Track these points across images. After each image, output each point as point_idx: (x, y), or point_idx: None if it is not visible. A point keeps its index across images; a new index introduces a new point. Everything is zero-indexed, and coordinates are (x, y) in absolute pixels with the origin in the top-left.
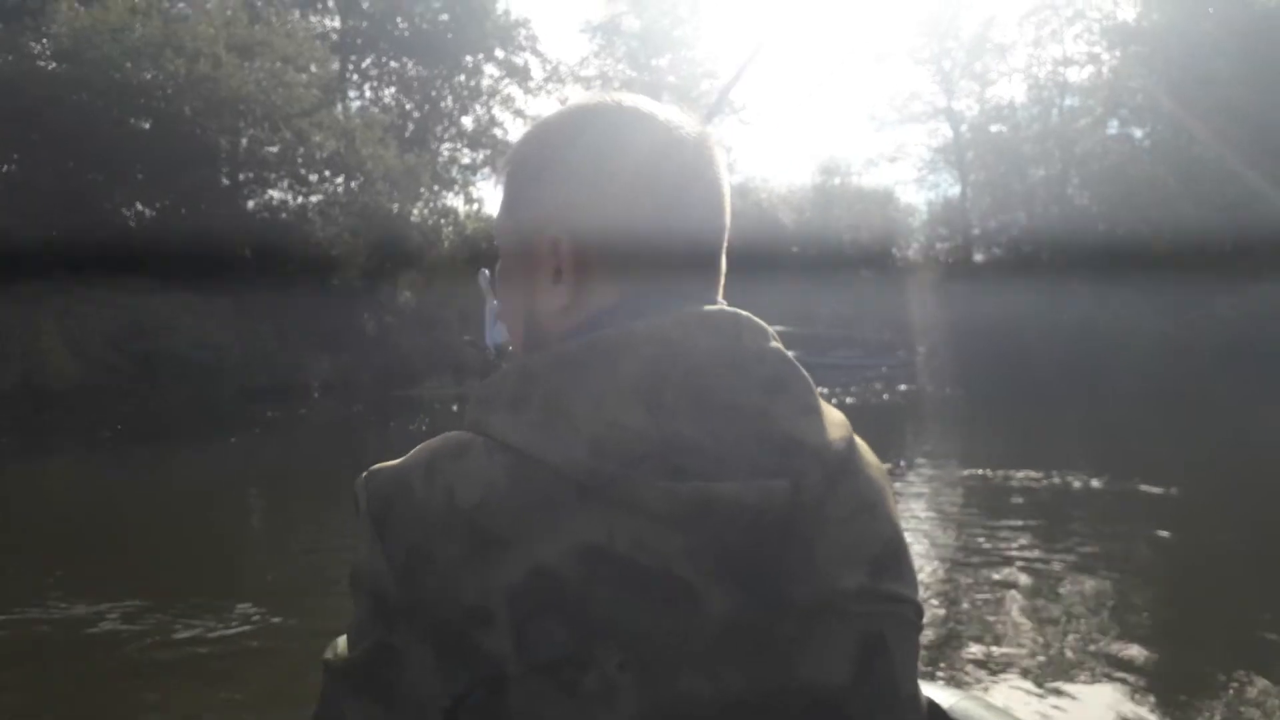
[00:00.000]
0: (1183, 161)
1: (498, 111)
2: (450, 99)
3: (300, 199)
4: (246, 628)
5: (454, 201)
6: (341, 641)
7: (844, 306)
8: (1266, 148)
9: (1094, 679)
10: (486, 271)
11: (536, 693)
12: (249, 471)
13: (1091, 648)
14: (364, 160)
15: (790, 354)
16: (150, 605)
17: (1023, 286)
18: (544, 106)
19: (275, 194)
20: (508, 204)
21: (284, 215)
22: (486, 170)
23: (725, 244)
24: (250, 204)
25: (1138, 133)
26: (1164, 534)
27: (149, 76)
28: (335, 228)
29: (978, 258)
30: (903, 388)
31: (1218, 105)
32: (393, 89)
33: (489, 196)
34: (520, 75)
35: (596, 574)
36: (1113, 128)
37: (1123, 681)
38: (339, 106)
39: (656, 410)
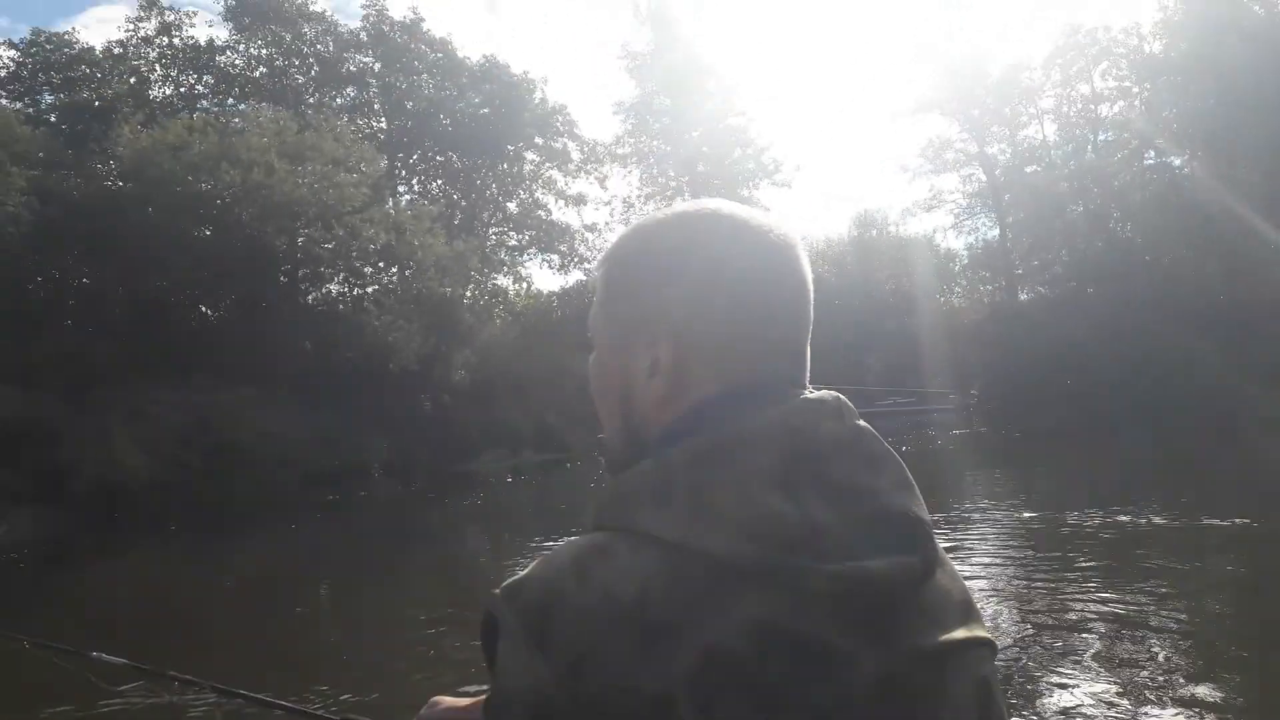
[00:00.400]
0: (1225, 185)
1: (540, 194)
2: (494, 186)
3: (356, 290)
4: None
5: (504, 281)
6: None
7: (890, 356)
8: None
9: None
10: None
11: None
12: (313, 555)
13: (1167, 686)
14: (414, 250)
15: (871, 430)
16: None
17: (1070, 323)
18: (583, 186)
19: (332, 288)
20: (606, 301)
21: (340, 307)
22: (532, 250)
23: (809, 335)
24: (308, 299)
25: (1176, 161)
26: (1236, 568)
27: (207, 188)
28: (390, 315)
29: (1022, 297)
30: (956, 432)
31: (1257, 124)
32: (440, 181)
33: (536, 274)
34: (560, 159)
35: (769, 649)
36: (1150, 158)
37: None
38: (390, 201)
39: (793, 496)
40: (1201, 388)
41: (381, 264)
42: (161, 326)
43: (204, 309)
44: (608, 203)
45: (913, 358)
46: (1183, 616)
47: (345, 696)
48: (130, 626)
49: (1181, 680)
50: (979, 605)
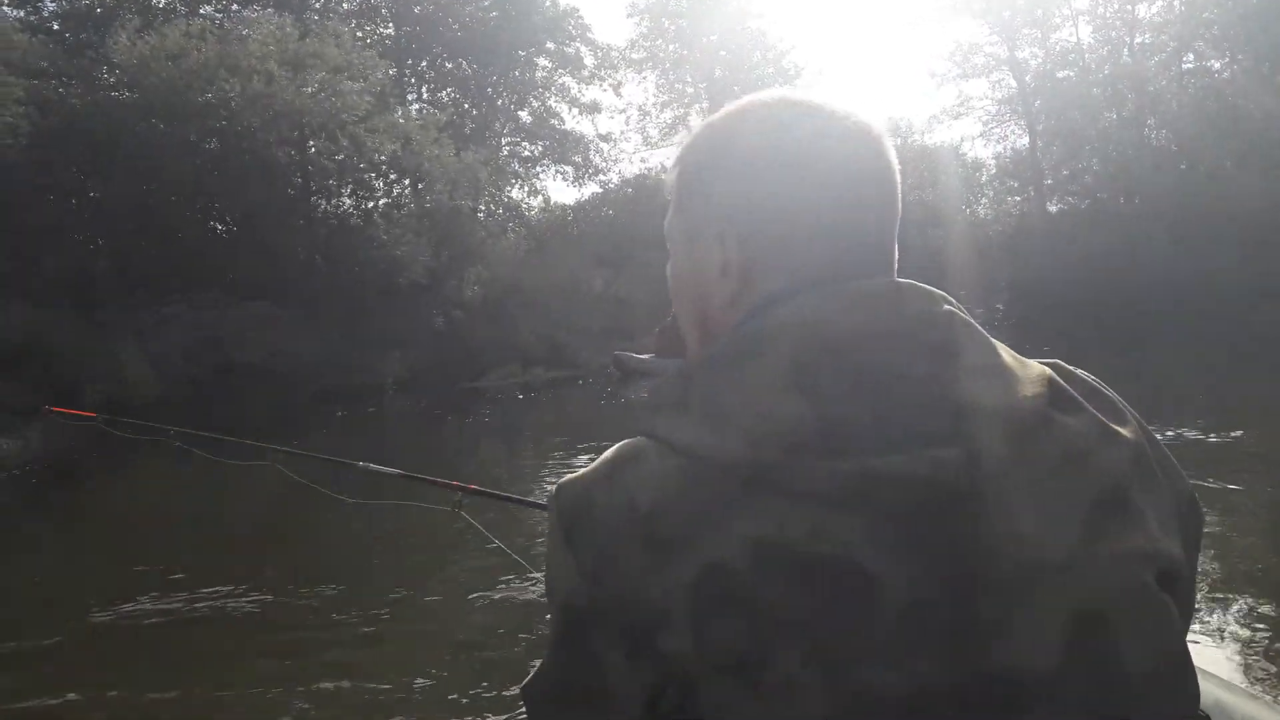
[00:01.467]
0: (1267, 90)
1: (553, 103)
2: (506, 95)
3: (365, 205)
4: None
5: (518, 194)
6: (536, 672)
7: (914, 269)
8: None
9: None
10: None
11: (723, 692)
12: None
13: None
14: (422, 161)
15: (963, 316)
16: (250, 592)
17: (1100, 234)
18: (597, 94)
19: (340, 202)
20: (675, 204)
21: (350, 221)
22: (545, 162)
23: (896, 228)
24: (316, 213)
25: (1216, 65)
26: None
27: (210, 98)
28: (399, 230)
29: (1051, 208)
30: None
31: None
32: (450, 89)
33: (551, 187)
34: (573, 65)
35: (770, 567)
36: (1189, 62)
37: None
38: (399, 111)
39: (811, 394)
40: (1236, 302)
41: (393, 176)
42: (169, 241)
43: (213, 223)
44: (623, 110)
45: (937, 271)
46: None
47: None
48: (142, 537)
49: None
50: None
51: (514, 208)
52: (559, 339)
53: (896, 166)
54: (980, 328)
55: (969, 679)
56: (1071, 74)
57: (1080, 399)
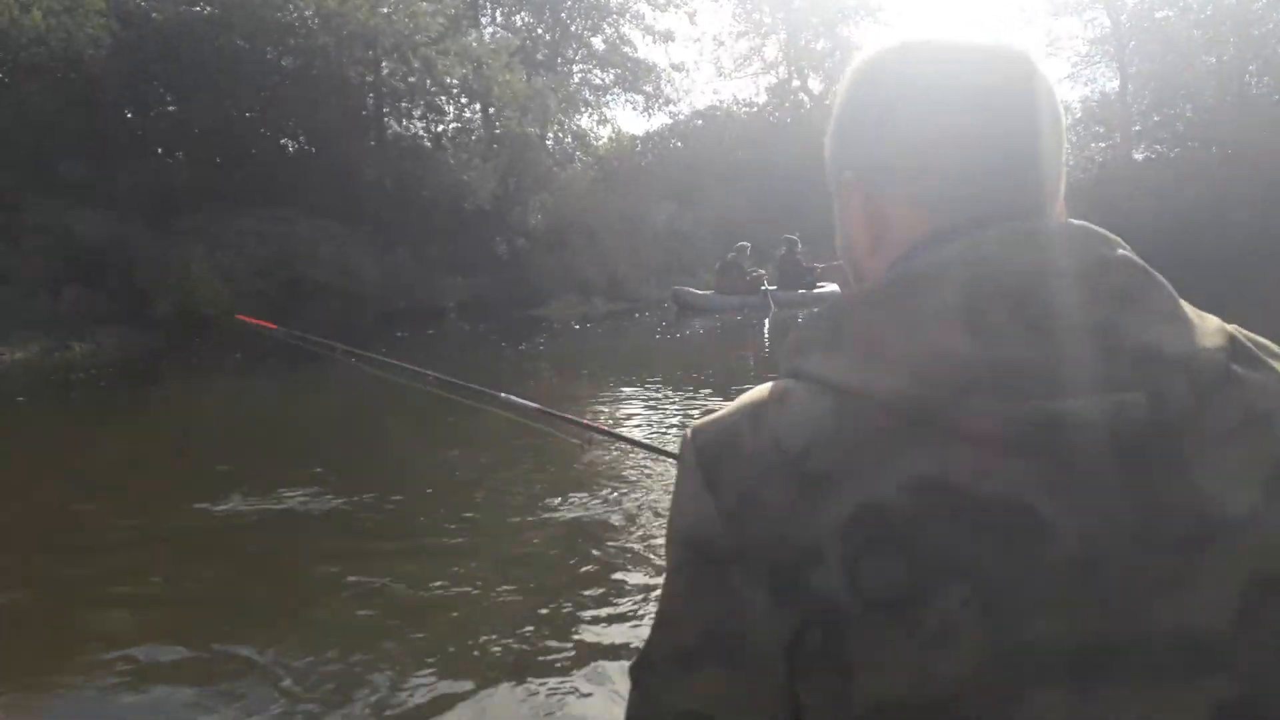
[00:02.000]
0: None
1: (626, 29)
2: (580, 20)
3: (435, 128)
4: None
5: (587, 123)
6: (655, 633)
7: None
8: None
9: None
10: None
11: (875, 633)
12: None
13: None
14: (492, 86)
15: (1138, 261)
16: (326, 497)
17: (1188, 185)
18: (672, 21)
19: (410, 125)
20: (827, 145)
21: (420, 144)
22: (615, 90)
23: (1057, 163)
24: (387, 135)
25: None
26: None
27: (288, 16)
28: (466, 155)
29: (1137, 156)
30: None
31: None
32: (524, 14)
33: (621, 117)
34: None
35: (931, 507)
36: None
37: None
38: (472, 34)
39: (981, 334)
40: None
41: (463, 100)
42: (245, 158)
43: (286, 141)
44: (696, 40)
45: None
46: None
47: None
48: (223, 439)
49: None
50: None
51: (582, 136)
52: (619, 272)
53: (1054, 97)
54: (1158, 275)
55: (1137, 636)
56: (1171, 14)
57: (1260, 355)
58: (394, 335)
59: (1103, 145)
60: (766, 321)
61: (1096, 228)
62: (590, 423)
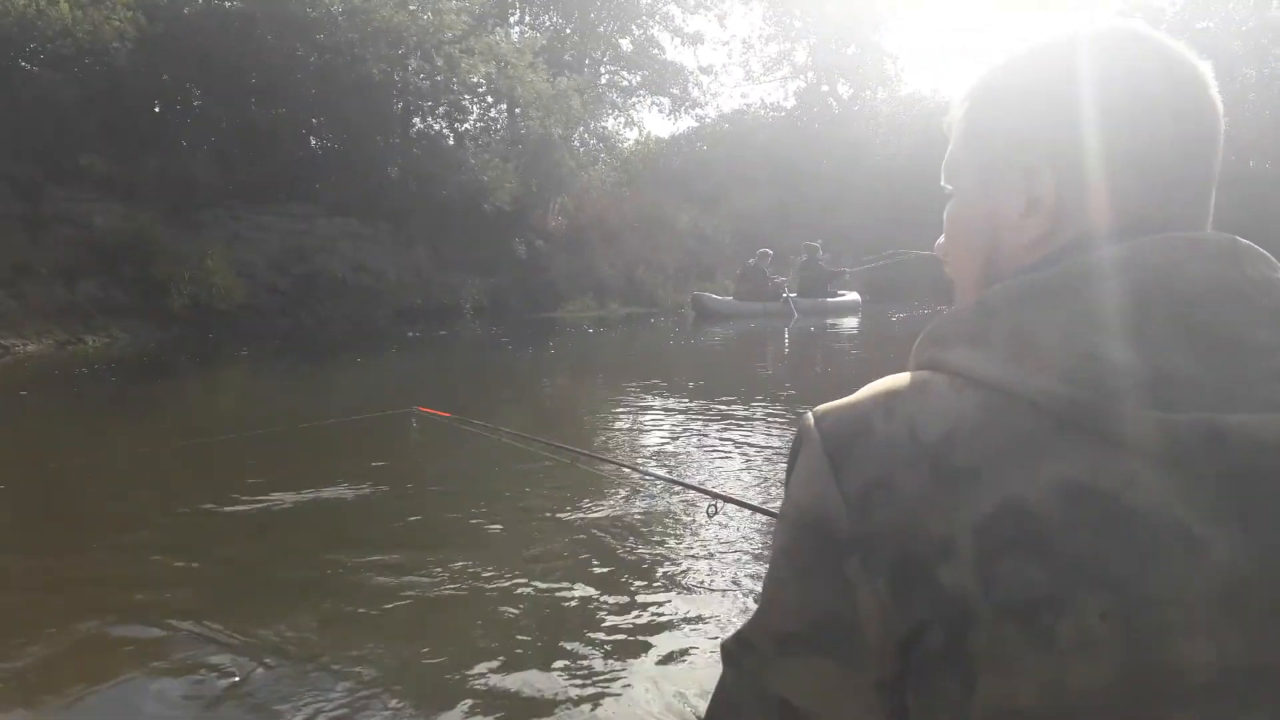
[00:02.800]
0: None
1: (656, 31)
2: (609, 21)
3: (458, 127)
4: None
5: (613, 124)
6: (759, 612)
7: None
8: None
9: None
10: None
11: (1004, 638)
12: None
13: None
14: (515, 85)
15: None
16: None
17: (1225, 197)
18: (701, 24)
19: (433, 123)
20: (970, 137)
21: (442, 143)
22: (642, 92)
23: (1215, 177)
24: (410, 133)
25: None
26: None
27: (312, 12)
28: (488, 154)
29: None
30: None
31: None
32: (553, 14)
33: (648, 119)
34: None
35: (1077, 512)
36: None
37: None
38: (500, 32)
39: (1141, 342)
40: None
41: (488, 100)
42: (268, 153)
43: (309, 136)
44: (725, 43)
45: None
46: None
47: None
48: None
49: None
50: None
51: (607, 138)
52: (637, 274)
53: (1221, 111)
54: None
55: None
56: (1211, 24)
57: None
58: (406, 335)
59: None
60: (787, 330)
61: (1254, 245)
62: (717, 491)
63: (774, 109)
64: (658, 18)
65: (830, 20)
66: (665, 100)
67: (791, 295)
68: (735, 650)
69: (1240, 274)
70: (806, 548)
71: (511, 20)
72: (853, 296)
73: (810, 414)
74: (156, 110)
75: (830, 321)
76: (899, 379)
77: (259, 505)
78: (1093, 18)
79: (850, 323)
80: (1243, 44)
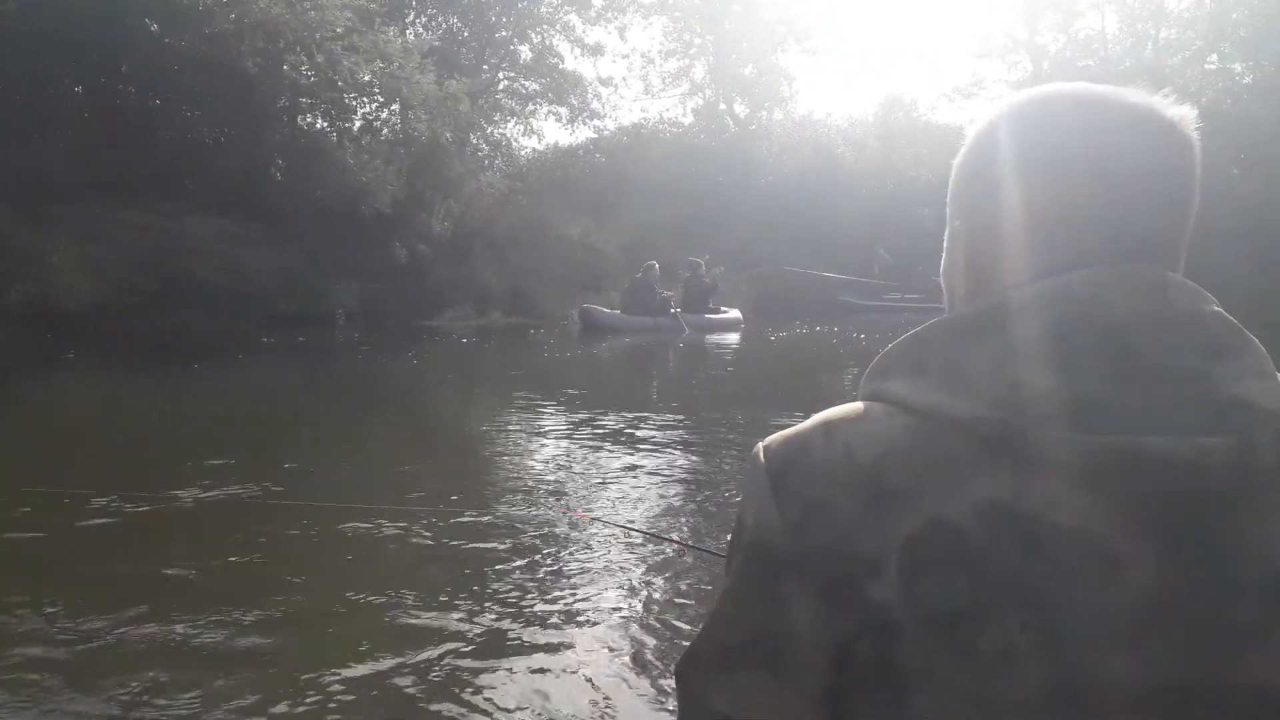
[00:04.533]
0: None
1: (556, 41)
2: (509, 28)
3: (340, 126)
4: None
5: (512, 132)
6: (704, 632)
7: (901, 249)
8: None
9: None
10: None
11: (929, 649)
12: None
13: None
14: (399, 86)
15: (1231, 318)
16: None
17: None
18: (602, 35)
19: (313, 121)
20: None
21: (321, 143)
22: (540, 101)
23: (1173, 231)
24: (288, 131)
25: (1238, 68)
26: None
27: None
28: (368, 155)
29: None
30: None
31: None
32: (453, 18)
33: (546, 128)
34: (580, 3)
35: (999, 531)
36: (1212, 63)
37: None
38: (387, 31)
39: (1064, 370)
40: (1228, 308)
41: (378, 98)
42: (135, 147)
43: (182, 132)
44: (626, 56)
45: (923, 255)
46: None
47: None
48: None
49: None
50: None
51: (503, 145)
52: (522, 284)
53: (1180, 156)
54: (1248, 332)
55: (1215, 685)
56: (1092, 64)
57: None
58: (261, 341)
59: None
60: (679, 343)
61: (1184, 279)
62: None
63: (672, 124)
64: (558, 26)
65: (729, 40)
66: (563, 109)
67: (675, 310)
68: (683, 669)
69: (1166, 305)
70: (748, 567)
71: (407, 20)
72: (734, 313)
73: (760, 443)
74: (13, 96)
75: (713, 338)
76: (842, 409)
77: None
78: (1048, 85)
79: (732, 338)
80: (1120, 83)
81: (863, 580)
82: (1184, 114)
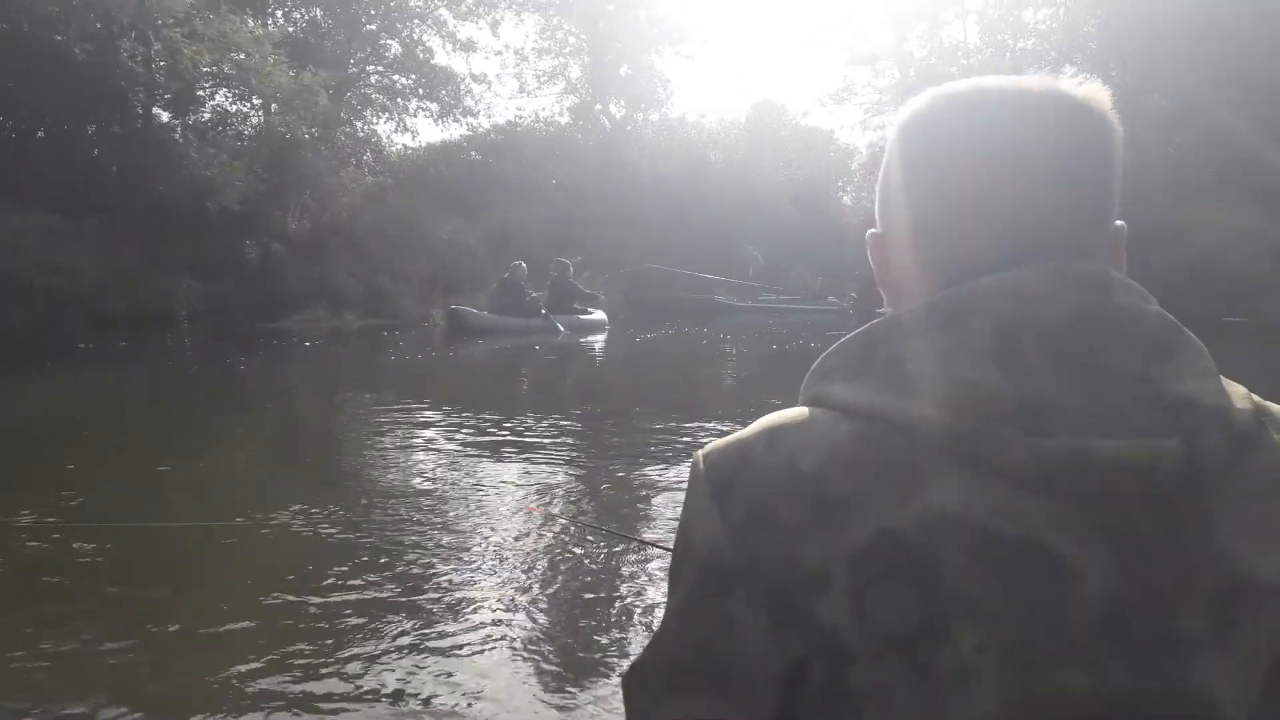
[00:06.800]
0: (1134, 113)
1: (426, 36)
2: (377, 21)
3: (185, 118)
4: None
5: (383, 128)
6: (650, 648)
7: (774, 251)
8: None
9: None
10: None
11: (882, 671)
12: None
13: None
14: (250, 77)
15: (1171, 318)
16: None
17: None
18: (474, 32)
19: (154, 112)
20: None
21: (162, 135)
22: (409, 95)
23: (1095, 213)
24: (124, 123)
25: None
26: None
27: None
28: (213, 149)
29: None
30: (831, 334)
31: (1173, 51)
32: (318, 9)
33: (422, 126)
34: None
35: (950, 542)
36: (1068, 74)
37: None
38: (235, 19)
39: (1012, 368)
40: None
41: (219, 90)
42: None
43: (6, 120)
44: (499, 53)
45: (795, 255)
46: None
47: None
48: None
49: None
50: None
51: (368, 141)
52: (381, 284)
53: (1098, 143)
54: (1188, 331)
55: (1163, 695)
56: (955, 71)
57: None
58: (78, 346)
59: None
60: (556, 343)
61: (1127, 278)
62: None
63: (548, 123)
64: (429, 21)
65: (601, 37)
66: (434, 105)
67: (545, 312)
68: (630, 685)
69: (1110, 304)
70: (695, 582)
71: (269, 9)
72: (600, 315)
73: (700, 450)
74: None
75: (583, 339)
76: (785, 413)
77: None
78: (942, 86)
79: (599, 339)
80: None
81: (810, 597)
82: (1092, 92)
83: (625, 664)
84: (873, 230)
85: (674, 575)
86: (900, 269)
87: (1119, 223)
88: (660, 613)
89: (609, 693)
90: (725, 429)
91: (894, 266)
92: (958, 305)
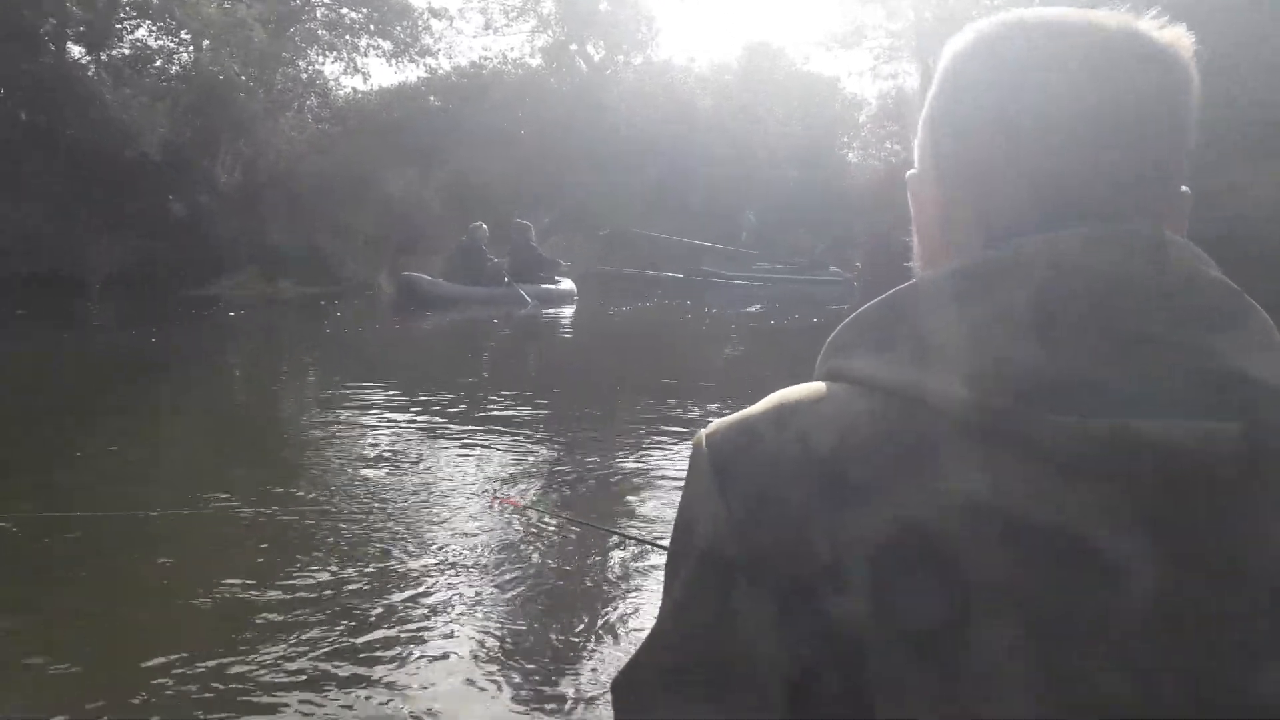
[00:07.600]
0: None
1: None
2: None
3: (96, 54)
4: None
5: (332, 69)
6: (644, 647)
7: (770, 214)
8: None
9: None
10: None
11: (902, 671)
12: None
13: None
14: (173, 7)
15: (1232, 284)
16: None
17: None
18: None
19: (60, 45)
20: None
21: (76, 72)
22: (360, 33)
23: (1169, 175)
24: (24, 57)
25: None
26: None
27: None
28: (130, 90)
29: None
30: (834, 308)
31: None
32: None
33: (375, 67)
34: None
35: (978, 531)
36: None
37: None
38: None
39: (1052, 342)
40: None
41: (149, 24)
42: None
43: None
44: None
45: (793, 218)
46: None
47: None
48: None
49: None
50: None
51: (313, 84)
52: (322, 245)
53: (1177, 93)
54: (1254, 302)
55: (1226, 704)
56: (976, 13)
57: None
58: None
59: (898, 147)
60: (520, 316)
61: (1186, 241)
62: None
63: (517, 65)
64: None
65: None
66: (387, 44)
67: (508, 280)
68: (618, 690)
69: (1162, 270)
70: (694, 574)
71: None
72: (568, 284)
73: (702, 430)
74: None
75: (547, 311)
76: (797, 389)
77: None
78: (1007, 13)
79: (567, 312)
80: None
81: (823, 592)
82: (1175, 37)
83: (613, 669)
84: (912, 171)
85: (672, 567)
86: (939, 220)
87: (1184, 188)
88: (651, 612)
89: (597, 693)
90: (711, 412)
91: (931, 214)
92: (997, 270)
